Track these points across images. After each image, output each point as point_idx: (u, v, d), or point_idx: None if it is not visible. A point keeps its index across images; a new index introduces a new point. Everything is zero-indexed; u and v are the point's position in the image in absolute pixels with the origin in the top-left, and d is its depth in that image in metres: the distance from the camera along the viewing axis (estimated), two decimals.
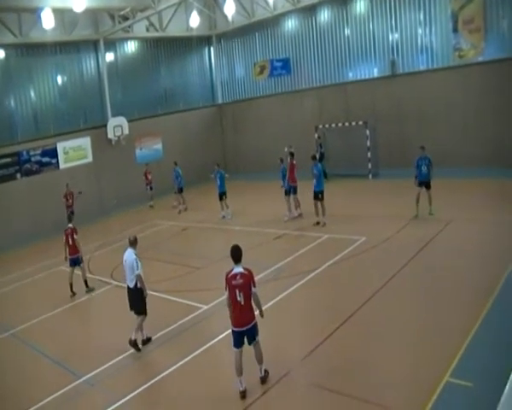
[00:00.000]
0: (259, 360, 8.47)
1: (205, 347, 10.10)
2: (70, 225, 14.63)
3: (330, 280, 12.85)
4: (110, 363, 9.97)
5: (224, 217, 20.48)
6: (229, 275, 8.27)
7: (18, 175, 22.96)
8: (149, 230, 20.49)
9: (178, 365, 9.55)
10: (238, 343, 8.25)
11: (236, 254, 8.39)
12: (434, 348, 8.83)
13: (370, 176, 24.06)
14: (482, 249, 13.15)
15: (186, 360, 9.69)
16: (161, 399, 8.78)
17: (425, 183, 16.40)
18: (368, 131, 23.97)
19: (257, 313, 8.51)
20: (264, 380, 8.50)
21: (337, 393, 7.99)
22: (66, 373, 9.93)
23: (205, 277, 14.38)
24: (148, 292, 12.42)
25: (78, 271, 14.58)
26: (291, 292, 12.17)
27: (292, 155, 18.98)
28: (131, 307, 10.58)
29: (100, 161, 25.90)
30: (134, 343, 10.35)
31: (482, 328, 9.15)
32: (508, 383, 1.97)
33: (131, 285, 10.38)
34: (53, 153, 24.14)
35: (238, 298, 8.10)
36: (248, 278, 8.22)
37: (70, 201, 21.70)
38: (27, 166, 23.22)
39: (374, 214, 17.78)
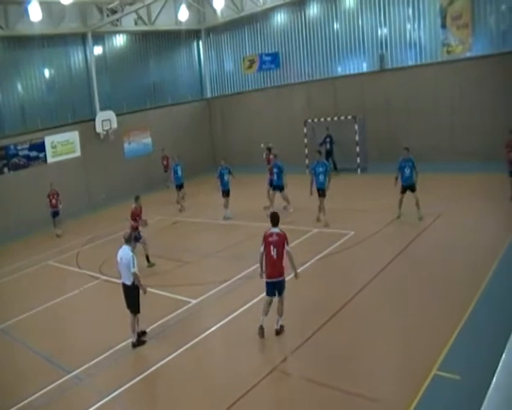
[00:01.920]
0: (279, 312, 9.74)
1: (194, 341, 10.12)
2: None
3: (319, 274, 12.92)
4: (99, 358, 9.94)
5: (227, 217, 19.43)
6: (267, 233, 9.61)
7: (5, 169, 22.75)
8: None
9: (167, 359, 9.55)
10: (269, 292, 9.68)
11: (274, 218, 9.68)
12: (423, 341, 8.91)
13: (359, 170, 24.14)
14: (470, 243, 13.27)
15: (175, 354, 9.70)
16: (150, 393, 8.78)
17: (409, 187, 15.83)
18: (356, 126, 24.02)
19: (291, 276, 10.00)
20: (278, 332, 9.77)
21: (326, 386, 8.05)
22: (55, 369, 9.89)
23: (194, 271, 14.39)
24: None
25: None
26: None
27: (269, 150, 19.13)
28: (128, 306, 10.41)
29: (88, 156, 25.72)
30: (137, 343, 10.30)
31: (470, 321, 9.25)
32: (495, 376, 2.00)
33: (129, 283, 10.18)
34: (41, 147, 23.93)
35: (272, 253, 9.41)
36: (283, 238, 9.51)
37: (54, 201, 21.28)
38: (15, 160, 22.99)
39: (362, 209, 17.86)
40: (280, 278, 9.56)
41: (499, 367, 2.09)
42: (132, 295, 10.26)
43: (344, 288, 11.71)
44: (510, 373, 2.06)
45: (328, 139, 24.64)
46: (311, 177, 16.95)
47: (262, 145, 20.82)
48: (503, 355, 2.16)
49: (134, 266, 9.98)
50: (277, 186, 18.42)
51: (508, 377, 2.06)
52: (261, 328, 9.67)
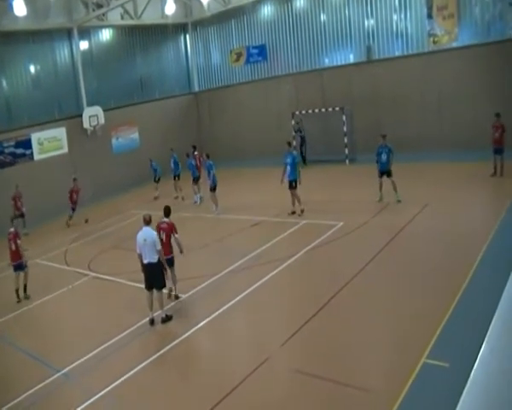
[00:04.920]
0: (173, 280, 11.86)
1: (185, 335, 10.12)
2: (12, 230, 13.75)
3: (308, 266, 12.94)
4: (88, 356, 9.90)
5: (217, 213, 19.23)
6: (159, 222, 11.76)
7: None
8: (127, 220, 20.29)
9: (157, 355, 9.56)
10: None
11: (166, 210, 11.90)
12: (411, 330, 8.96)
13: (347, 161, 24.18)
14: (458, 231, 13.35)
15: (166, 349, 9.70)
16: (139, 391, 8.69)
17: (385, 172, 16.53)
18: (344, 117, 24.06)
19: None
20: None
21: (316, 377, 8.06)
22: (44, 367, 9.84)
23: (183, 266, 14.30)
24: (128, 283, 12.42)
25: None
26: (269, 279, 12.21)
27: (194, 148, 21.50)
28: (152, 285, 10.82)
29: (76, 152, 25.53)
30: (166, 318, 10.84)
31: (458, 309, 9.31)
32: (476, 364, 2.01)
33: (154, 260, 10.67)
34: (27, 144, 23.70)
35: (161, 236, 11.34)
36: (171, 226, 11.64)
37: (19, 203, 20.77)
38: (1, 157, 22.73)
39: (351, 200, 17.91)
40: (168, 256, 11.44)
41: (477, 362, 2.09)
42: (159, 271, 10.79)
43: (333, 279, 11.73)
44: (488, 371, 2.07)
45: (299, 133, 24.84)
46: (284, 167, 17.12)
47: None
48: (482, 349, 2.17)
49: (159, 245, 10.78)
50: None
51: (484, 376, 2.06)
52: (168, 294, 11.84)
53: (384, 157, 16.49)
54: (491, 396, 1.93)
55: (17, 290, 13.61)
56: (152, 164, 24.40)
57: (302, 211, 16.99)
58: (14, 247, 13.56)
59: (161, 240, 11.22)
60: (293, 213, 17.18)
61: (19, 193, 20.92)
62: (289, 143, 17.97)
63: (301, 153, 24.80)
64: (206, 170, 19.43)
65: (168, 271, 11.38)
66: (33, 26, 23.83)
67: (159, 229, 11.54)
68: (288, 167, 16.86)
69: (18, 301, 13.51)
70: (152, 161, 24.53)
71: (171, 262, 11.63)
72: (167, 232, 11.57)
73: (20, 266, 13.69)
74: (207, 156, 19.75)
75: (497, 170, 17.49)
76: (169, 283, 11.64)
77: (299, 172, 16.94)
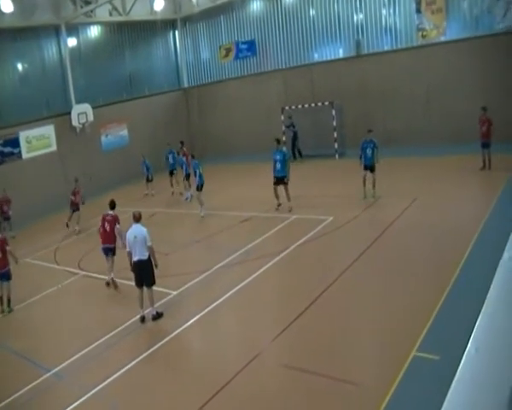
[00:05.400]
0: (109, 269, 13.02)
1: (176, 332, 10.11)
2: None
3: (298, 261, 12.95)
4: (79, 355, 9.85)
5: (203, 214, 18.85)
6: (105, 213, 13.17)
7: None
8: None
9: (150, 351, 9.54)
10: (105, 252, 13.06)
11: (111, 204, 13.16)
12: (401, 324, 9.00)
13: (337, 156, 24.23)
14: (447, 225, 13.41)
15: (157, 346, 9.68)
16: (131, 388, 8.69)
17: (369, 167, 16.55)
18: (334, 112, 24.12)
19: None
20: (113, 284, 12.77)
21: (307, 372, 8.09)
22: (35, 367, 9.77)
23: (173, 262, 14.32)
24: (118, 281, 12.38)
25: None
26: (259, 274, 12.22)
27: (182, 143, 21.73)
28: (142, 282, 10.82)
29: (65, 150, 25.36)
30: (157, 316, 10.78)
31: (448, 302, 9.36)
32: (461, 363, 2.01)
33: (145, 258, 10.69)
34: (15, 142, 23.49)
35: (105, 226, 12.91)
36: (114, 218, 12.93)
37: (6, 207, 20.38)
38: None
39: (341, 194, 17.94)
40: (110, 245, 12.91)
41: (462, 361, 2.09)
42: (149, 268, 10.78)
43: (323, 274, 11.74)
44: (473, 370, 2.07)
45: (291, 128, 24.77)
46: (273, 164, 17.17)
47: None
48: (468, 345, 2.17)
49: (150, 241, 10.77)
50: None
51: (470, 373, 2.07)
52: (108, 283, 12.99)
53: (369, 152, 16.51)
54: (476, 397, 1.93)
55: (1, 298, 12.88)
56: (145, 162, 23.72)
57: (290, 209, 16.89)
58: (0, 254, 12.66)
59: (105, 230, 12.88)
60: (280, 205, 17.11)
61: (6, 197, 20.46)
62: (278, 141, 17.86)
63: (293, 148, 24.79)
64: (193, 169, 19.32)
65: (110, 259, 12.87)
66: (20, 23, 23.55)
67: (104, 220, 13.03)
68: (278, 164, 16.86)
69: (1, 311, 12.85)
70: (145, 158, 23.99)
71: (113, 251, 12.97)
72: (111, 223, 12.86)
73: (5, 275, 12.74)
74: (192, 156, 19.62)
75: (485, 163, 17.58)
76: (110, 273, 12.85)
77: (288, 169, 16.91)
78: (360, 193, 16.76)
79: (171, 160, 22.90)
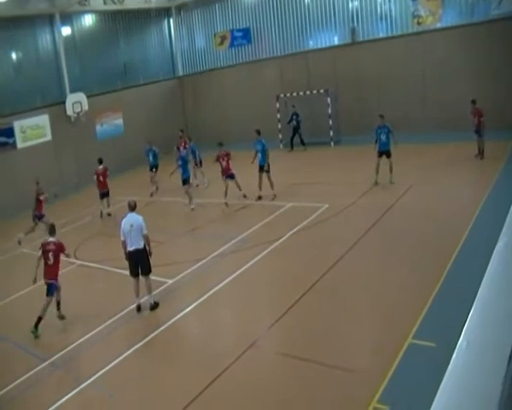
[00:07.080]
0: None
1: (172, 320, 10.15)
2: None
3: (294, 248, 12.98)
4: (75, 344, 9.89)
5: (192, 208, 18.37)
6: None
7: None
8: (112, 207, 20.16)
9: (147, 339, 9.58)
10: None
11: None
12: (398, 311, 9.06)
13: (332, 143, 24.20)
14: (443, 211, 13.48)
15: (154, 334, 9.73)
16: (128, 377, 8.74)
17: (385, 152, 16.55)
18: (329, 99, 24.03)
19: None
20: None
21: (303, 360, 8.14)
22: (31, 357, 9.79)
23: (169, 251, 14.32)
24: (114, 270, 12.34)
25: None
26: (255, 262, 12.27)
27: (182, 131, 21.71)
28: (137, 271, 10.76)
29: (59, 139, 25.19)
30: (154, 305, 10.77)
31: (444, 289, 9.42)
32: (452, 358, 2.01)
33: (140, 246, 10.63)
34: (9, 132, 23.30)
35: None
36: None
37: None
38: None
39: (336, 181, 17.96)
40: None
41: (453, 356, 2.10)
42: (145, 256, 10.72)
43: (319, 261, 11.78)
44: (463, 365, 2.08)
45: (294, 117, 24.70)
46: (254, 153, 17.44)
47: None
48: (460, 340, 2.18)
49: (146, 229, 10.68)
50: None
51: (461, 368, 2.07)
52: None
53: (383, 137, 16.50)
54: (468, 392, 1.94)
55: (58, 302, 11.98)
56: (152, 148, 21.71)
57: (274, 196, 17.05)
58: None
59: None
60: (260, 197, 17.30)
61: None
62: (258, 132, 17.78)
63: (293, 138, 24.64)
64: (191, 154, 19.38)
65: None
66: (14, 12, 23.27)
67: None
68: (259, 154, 17.18)
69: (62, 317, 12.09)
70: (151, 144, 22.02)
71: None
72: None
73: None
74: (189, 139, 20.10)
75: (480, 150, 17.63)
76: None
77: (267, 157, 17.09)
78: (358, 179, 16.77)
79: (151, 158, 21.54)
